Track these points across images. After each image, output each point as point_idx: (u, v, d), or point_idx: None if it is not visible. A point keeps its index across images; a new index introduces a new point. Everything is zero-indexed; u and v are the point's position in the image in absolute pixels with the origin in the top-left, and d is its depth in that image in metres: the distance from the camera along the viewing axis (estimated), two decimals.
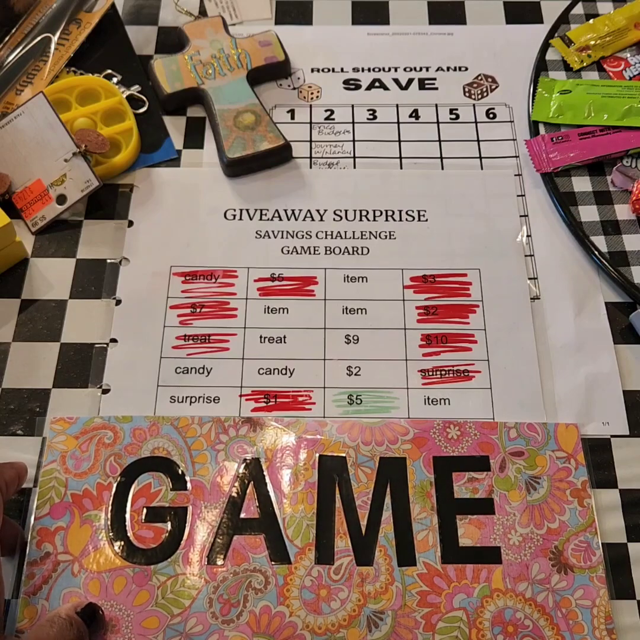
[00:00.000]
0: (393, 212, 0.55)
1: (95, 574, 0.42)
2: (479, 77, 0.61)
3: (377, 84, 0.61)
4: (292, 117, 0.59)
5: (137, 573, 0.42)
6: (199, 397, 0.48)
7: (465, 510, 0.44)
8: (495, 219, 0.54)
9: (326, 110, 0.59)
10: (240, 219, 0.54)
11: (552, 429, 0.46)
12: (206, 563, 0.42)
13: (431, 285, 0.52)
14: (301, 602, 0.41)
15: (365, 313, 0.51)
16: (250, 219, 0.54)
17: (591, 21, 0.63)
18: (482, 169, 0.56)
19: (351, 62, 0.62)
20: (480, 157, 0.57)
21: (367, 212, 0.55)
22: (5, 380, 0.48)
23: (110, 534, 0.43)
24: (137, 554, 0.42)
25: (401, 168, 0.56)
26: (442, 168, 0.56)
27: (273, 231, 0.54)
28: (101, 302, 0.51)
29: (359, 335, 0.50)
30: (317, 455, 0.45)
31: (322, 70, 0.62)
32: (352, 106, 0.60)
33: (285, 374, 0.49)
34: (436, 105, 0.60)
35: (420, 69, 0.61)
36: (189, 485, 0.44)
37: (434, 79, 0.61)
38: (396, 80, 0.61)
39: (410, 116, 0.59)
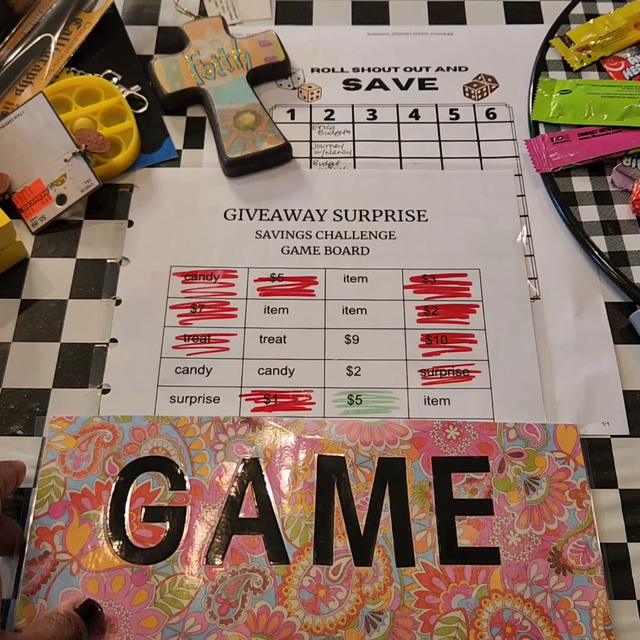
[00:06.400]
0: (393, 212, 0.55)
1: (94, 574, 0.42)
2: (479, 77, 0.61)
3: (377, 84, 0.61)
4: (292, 117, 0.59)
5: (135, 572, 0.42)
6: (199, 397, 0.48)
7: (464, 510, 0.43)
8: (495, 219, 0.54)
9: (326, 110, 0.59)
10: (240, 219, 0.54)
11: (551, 430, 0.46)
12: (205, 563, 0.42)
13: (431, 285, 0.52)
14: (299, 602, 0.41)
15: (365, 313, 0.51)
16: (250, 219, 0.54)
17: (591, 21, 0.63)
18: (482, 169, 0.56)
19: (351, 62, 0.62)
20: (480, 157, 0.57)
21: (367, 212, 0.55)
22: (5, 380, 0.48)
23: (109, 533, 0.43)
24: (135, 554, 0.42)
25: (401, 168, 0.56)
26: (442, 168, 0.56)
27: (273, 231, 0.54)
28: (101, 302, 0.51)
29: (359, 335, 0.50)
30: (316, 455, 0.45)
31: (322, 70, 0.62)
32: (352, 106, 0.60)
33: (285, 374, 0.49)
34: (436, 105, 0.60)
35: (420, 69, 0.61)
36: (187, 485, 0.44)
37: (434, 79, 0.61)
38: (396, 80, 0.61)
39: (410, 116, 0.59)
